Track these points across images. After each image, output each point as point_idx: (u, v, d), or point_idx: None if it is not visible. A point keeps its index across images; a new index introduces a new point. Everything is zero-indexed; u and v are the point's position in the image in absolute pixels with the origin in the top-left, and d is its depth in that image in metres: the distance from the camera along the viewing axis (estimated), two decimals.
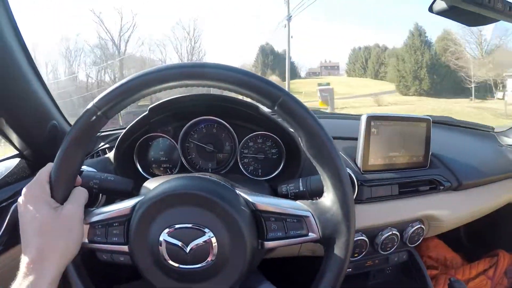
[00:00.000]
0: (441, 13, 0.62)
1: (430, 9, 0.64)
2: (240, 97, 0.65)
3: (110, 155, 0.69)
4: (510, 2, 0.55)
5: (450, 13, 0.62)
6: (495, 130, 1.20)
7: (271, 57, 27.07)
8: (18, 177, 0.67)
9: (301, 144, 0.41)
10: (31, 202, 0.39)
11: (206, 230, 0.38)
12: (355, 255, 0.71)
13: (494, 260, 1.08)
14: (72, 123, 0.78)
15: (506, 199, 0.96)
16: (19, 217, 0.39)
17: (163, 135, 0.72)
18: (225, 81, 0.38)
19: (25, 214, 0.38)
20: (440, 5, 0.61)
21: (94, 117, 0.38)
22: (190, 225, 0.38)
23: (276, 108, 0.38)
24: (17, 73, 0.61)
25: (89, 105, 0.38)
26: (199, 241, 0.38)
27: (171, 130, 0.72)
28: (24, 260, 0.37)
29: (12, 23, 0.60)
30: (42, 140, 0.70)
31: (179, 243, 0.38)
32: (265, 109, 0.67)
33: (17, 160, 0.70)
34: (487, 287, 1.02)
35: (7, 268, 0.33)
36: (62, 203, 0.40)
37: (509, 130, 1.16)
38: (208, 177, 0.45)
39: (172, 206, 0.39)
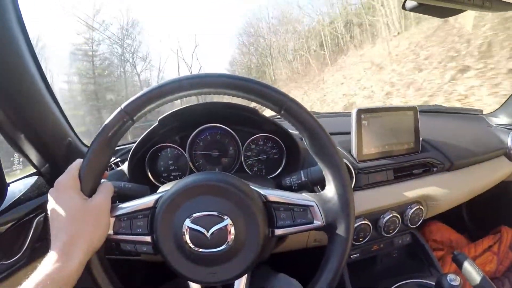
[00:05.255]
0: (413, 9, 0.69)
1: (403, 7, 0.71)
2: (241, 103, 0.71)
3: (124, 167, 0.73)
4: None
5: (421, 9, 0.69)
6: (483, 113, 1.26)
7: None
8: (38, 193, 0.69)
9: (304, 143, 0.46)
10: (64, 191, 0.41)
11: (225, 216, 0.42)
12: (360, 239, 0.75)
13: (498, 237, 1.11)
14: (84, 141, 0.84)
15: (499, 176, 1.00)
16: (50, 206, 0.41)
17: (171, 145, 0.77)
18: (241, 90, 0.43)
19: (58, 202, 0.40)
20: (411, 3, 0.69)
21: (122, 120, 0.43)
22: (210, 213, 0.42)
23: (282, 112, 0.44)
24: (35, 90, 0.63)
25: (118, 109, 0.43)
26: (219, 226, 0.42)
27: (178, 139, 0.77)
28: (54, 245, 0.38)
29: (26, 38, 0.60)
30: (60, 157, 0.72)
31: (201, 229, 0.42)
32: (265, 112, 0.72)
33: (35, 177, 0.72)
34: (493, 263, 1.05)
35: None
36: (90, 196, 0.43)
37: (497, 111, 1.22)
38: (224, 173, 0.50)
39: (194, 196, 0.43)
